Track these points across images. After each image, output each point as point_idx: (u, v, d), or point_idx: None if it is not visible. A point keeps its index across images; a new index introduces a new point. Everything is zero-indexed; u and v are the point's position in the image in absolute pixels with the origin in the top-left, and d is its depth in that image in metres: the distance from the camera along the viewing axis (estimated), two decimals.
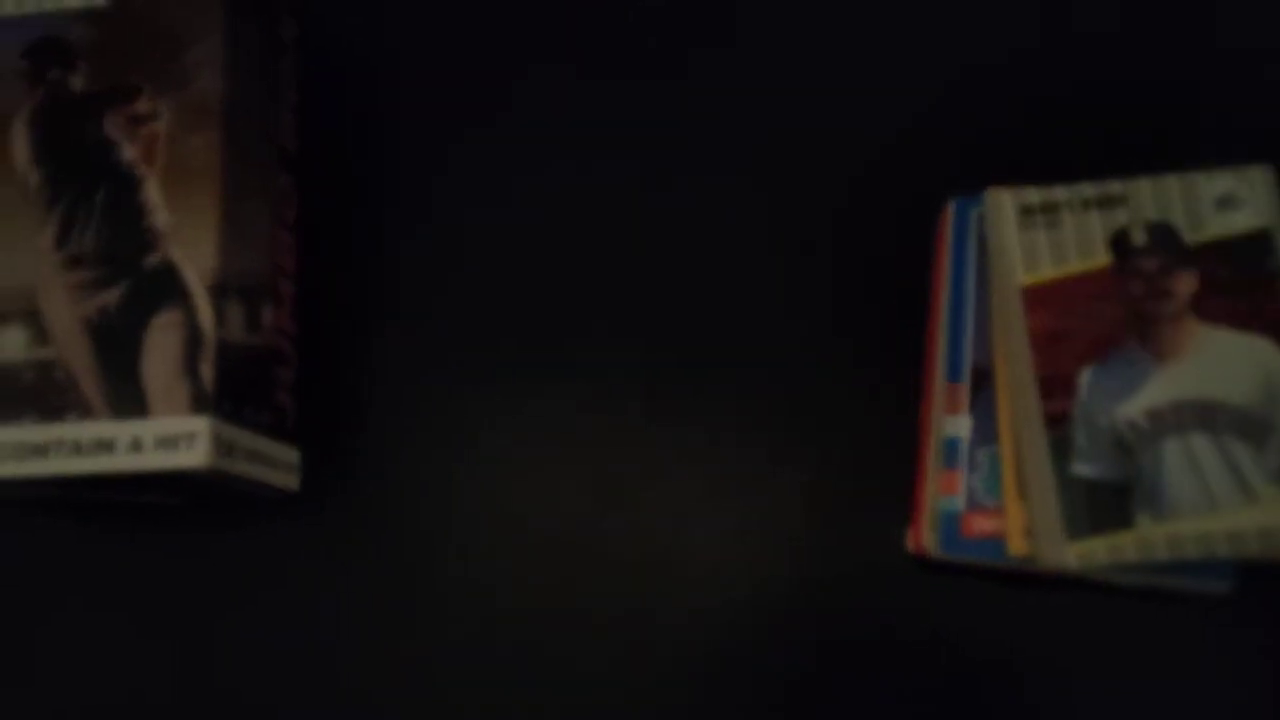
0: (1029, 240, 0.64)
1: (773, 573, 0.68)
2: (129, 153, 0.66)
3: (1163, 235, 0.63)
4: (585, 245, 0.74)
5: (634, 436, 0.71)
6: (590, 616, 0.69)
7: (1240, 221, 0.63)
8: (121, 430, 0.62)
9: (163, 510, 0.72)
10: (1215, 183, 0.64)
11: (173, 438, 0.62)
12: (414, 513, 0.71)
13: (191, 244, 0.65)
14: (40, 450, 0.62)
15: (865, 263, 0.72)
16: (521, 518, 0.70)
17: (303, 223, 0.75)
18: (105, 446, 0.62)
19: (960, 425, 0.65)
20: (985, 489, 0.64)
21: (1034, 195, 0.65)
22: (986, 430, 0.65)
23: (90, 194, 0.66)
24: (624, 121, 0.75)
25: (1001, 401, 0.64)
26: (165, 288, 0.64)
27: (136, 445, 0.62)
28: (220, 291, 0.64)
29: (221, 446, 0.63)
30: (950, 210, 0.69)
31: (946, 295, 0.67)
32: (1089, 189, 0.65)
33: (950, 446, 0.65)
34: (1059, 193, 0.65)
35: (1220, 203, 0.63)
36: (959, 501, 0.64)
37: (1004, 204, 0.65)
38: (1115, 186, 0.64)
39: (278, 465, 0.69)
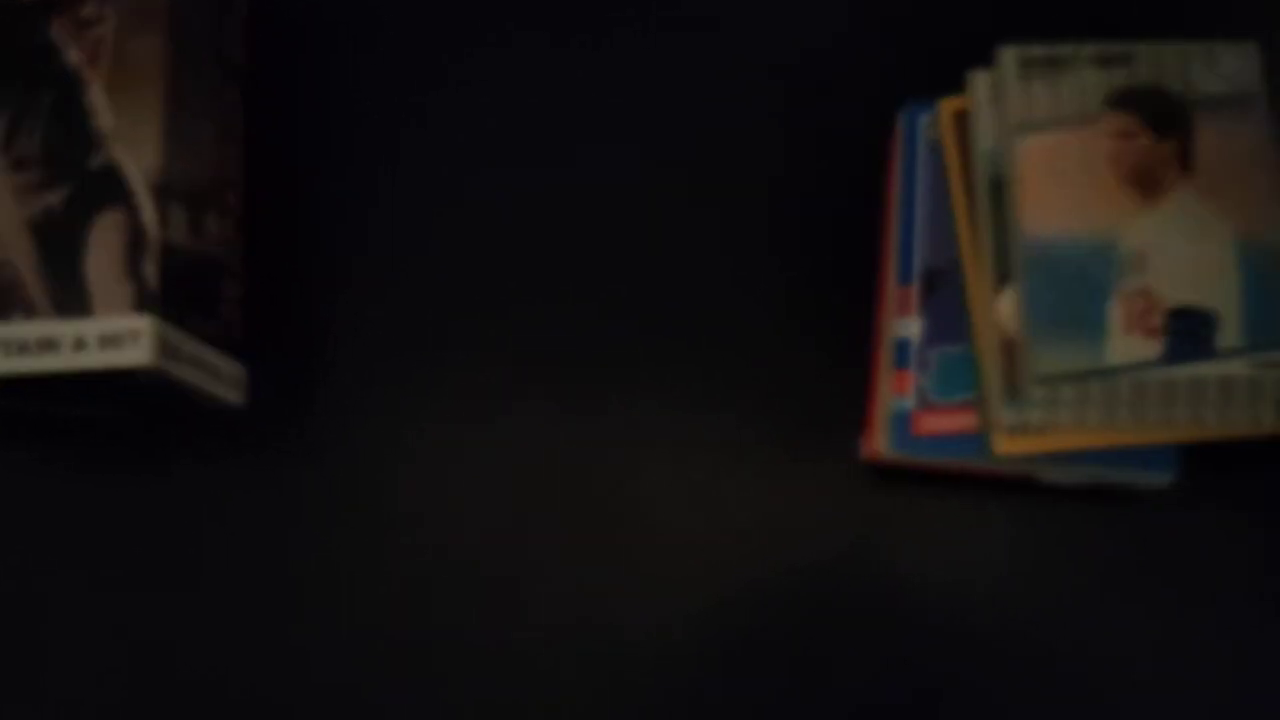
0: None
1: (739, 489, 0.69)
2: (74, 57, 0.66)
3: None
4: (538, 167, 0.74)
5: (595, 356, 0.71)
6: (542, 535, 0.69)
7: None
8: (65, 329, 0.62)
9: (105, 426, 0.71)
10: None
11: (117, 336, 0.61)
12: (362, 436, 0.70)
13: (135, 145, 0.64)
14: None
15: (822, 178, 0.72)
16: (471, 441, 0.70)
17: (253, 140, 0.74)
18: (50, 346, 0.62)
19: (910, 327, 0.65)
20: (935, 389, 0.64)
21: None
22: (938, 332, 0.65)
23: (35, 97, 0.65)
24: (576, 54, 0.75)
25: (976, 303, 0.64)
26: (108, 188, 0.64)
27: (80, 344, 0.62)
28: (163, 192, 0.64)
29: (165, 347, 0.62)
30: (901, 119, 0.69)
31: (898, 201, 0.68)
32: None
33: (901, 347, 0.65)
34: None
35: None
36: (909, 401, 0.64)
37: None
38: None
39: (222, 377, 0.68)
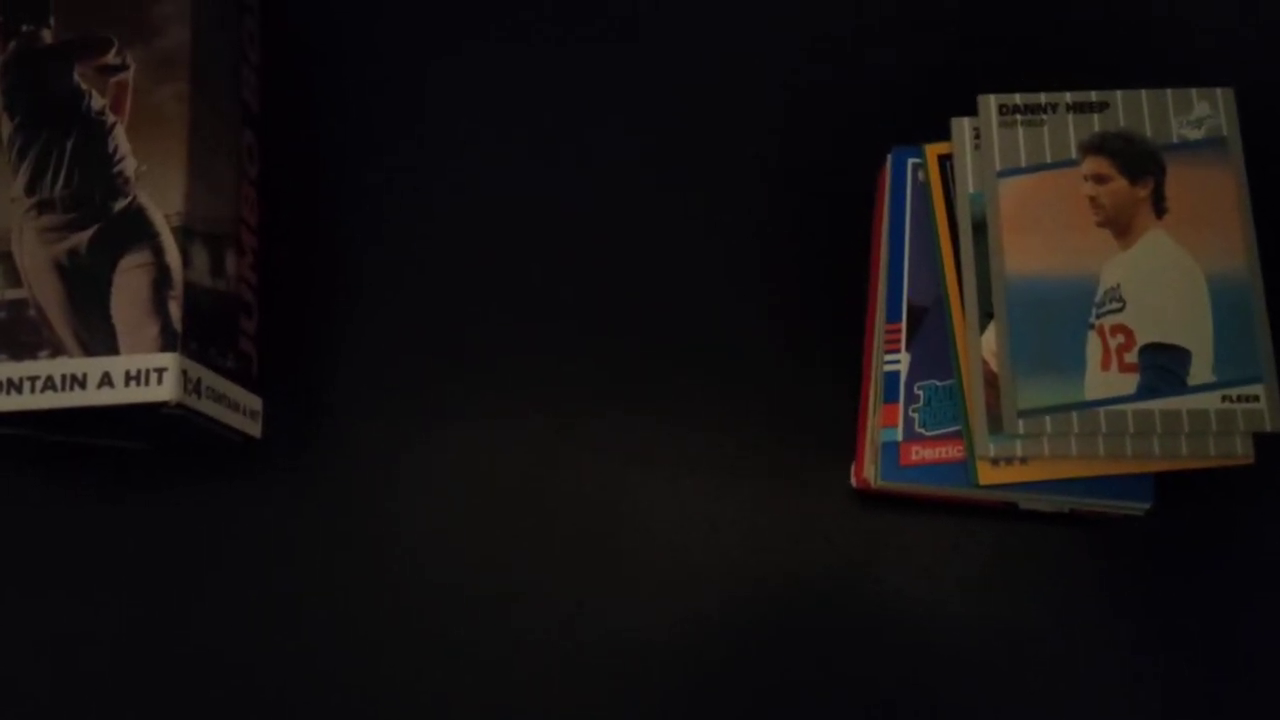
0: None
1: (733, 513, 0.71)
2: (98, 102, 0.68)
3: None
4: (538, 195, 0.77)
5: (590, 387, 0.74)
6: (547, 560, 0.71)
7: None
8: (93, 366, 0.64)
9: (127, 455, 0.73)
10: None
11: (142, 373, 0.64)
12: (368, 461, 0.73)
13: (159, 188, 0.67)
14: (15, 386, 0.64)
15: (811, 217, 0.75)
16: (480, 470, 0.72)
17: (266, 183, 0.77)
18: (77, 382, 0.64)
19: (898, 361, 0.68)
20: (922, 421, 0.67)
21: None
22: (924, 366, 0.68)
23: (61, 141, 0.68)
24: (569, 81, 0.78)
25: (960, 340, 0.67)
26: (134, 230, 0.66)
27: (107, 380, 0.64)
28: (186, 234, 0.66)
29: (189, 383, 0.65)
30: (889, 161, 0.72)
31: (886, 241, 0.71)
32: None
33: (890, 381, 0.68)
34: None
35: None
36: (897, 432, 0.67)
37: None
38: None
39: (241, 410, 0.71)
